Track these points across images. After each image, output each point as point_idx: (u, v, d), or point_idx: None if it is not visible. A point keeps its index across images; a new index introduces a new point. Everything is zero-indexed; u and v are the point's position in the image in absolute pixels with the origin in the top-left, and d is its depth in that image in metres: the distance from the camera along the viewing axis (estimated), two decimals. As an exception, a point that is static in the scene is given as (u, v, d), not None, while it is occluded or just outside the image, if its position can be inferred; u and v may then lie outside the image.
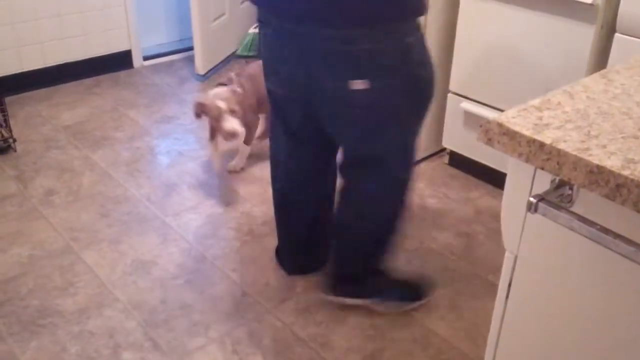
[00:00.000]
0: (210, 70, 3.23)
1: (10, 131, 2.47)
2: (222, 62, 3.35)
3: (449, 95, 2.28)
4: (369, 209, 1.62)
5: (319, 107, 1.48)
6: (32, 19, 2.90)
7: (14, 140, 2.48)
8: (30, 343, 1.60)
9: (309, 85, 1.43)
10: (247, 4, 3.54)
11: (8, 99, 2.59)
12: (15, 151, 2.48)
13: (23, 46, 2.92)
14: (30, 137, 2.60)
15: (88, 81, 3.13)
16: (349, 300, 1.71)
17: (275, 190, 1.78)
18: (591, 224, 0.71)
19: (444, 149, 2.47)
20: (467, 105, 2.22)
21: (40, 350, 1.58)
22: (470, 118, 2.23)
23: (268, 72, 1.55)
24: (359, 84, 1.37)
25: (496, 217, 2.13)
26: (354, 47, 1.34)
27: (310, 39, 1.36)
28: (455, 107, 2.27)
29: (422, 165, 2.47)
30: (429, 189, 2.31)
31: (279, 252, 1.90)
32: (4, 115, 2.49)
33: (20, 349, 1.59)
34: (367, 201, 1.61)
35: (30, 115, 2.78)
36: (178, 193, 2.25)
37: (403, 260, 1.93)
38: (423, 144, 2.45)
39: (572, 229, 0.73)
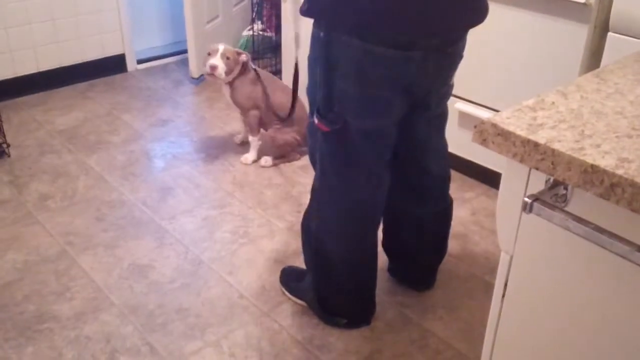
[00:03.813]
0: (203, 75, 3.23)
1: (4, 136, 2.46)
2: (216, 64, 3.34)
3: (444, 95, 2.29)
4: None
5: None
6: (25, 23, 2.89)
7: (8, 145, 2.47)
8: (27, 349, 1.60)
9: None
10: (241, 6, 3.54)
11: (2, 104, 2.59)
12: (10, 156, 2.47)
13: (16, 51, 2.91)
14: (24, 142, 2.59)
15: (82, 85, 3.13)
16: (285, 292, 1.79)
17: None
18: (586, 223, 0.71)
19: (439, 150, 2.47)
20: (461, 105, 2.22)
21: (36, 356, 1.57)
22: (464, 118, 2.24)
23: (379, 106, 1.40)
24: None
25: (492, 217, 2.13)
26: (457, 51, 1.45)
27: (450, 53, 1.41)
28: (450, 107, 2.26)
29: (418, 166, 2.47)
30: (424, 189, 2.31)
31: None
32: (-3, 120, 2.48)
33: (16, 355, 1.58)
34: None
35: (24, 120, 2.77)
36: (173, 196, 2.25)
37: (399, 261, 1.93)
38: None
39: (567, 228, 0.73)
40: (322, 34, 1.33)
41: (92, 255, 1.94)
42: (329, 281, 1.63)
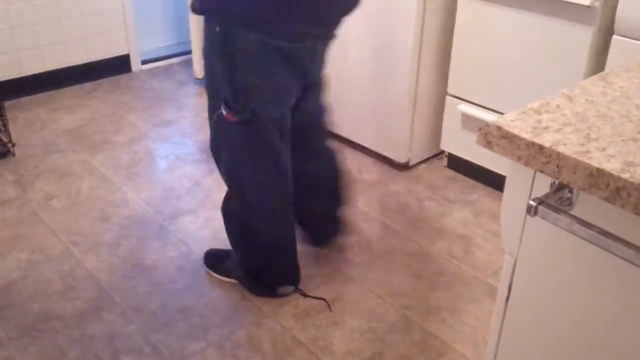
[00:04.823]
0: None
1: (10, 135, 2.47)
2: (220, 65, 3.35)
3: (447, 97, 2.29)
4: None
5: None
6: (31, 23, 2.90)
7: (13, 145, 2.48)
8: (30, 348, 1.60)
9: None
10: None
11: (7, 104, 2.59)
12: (15, 156, 2.48)
13: (22, 50, 2.92)
14: (29, 141, 2.59)
15: (87, 85, 3.14)
16: (212, 274, 1.86)
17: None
18: (591, 227, 0.71)
19: (442, 152, 2.47)
20: (465, 107, 2.22)
21: (40, 355, 1.58)
22: (468, 120, 2.24)
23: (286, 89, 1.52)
24: None
25: (495, 219, 2.13)
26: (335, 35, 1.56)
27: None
28: (453, 109, 2.27)
29: (421, 167, 2.47)
30: (428, 191, 2.31)
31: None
32: (3, 120, 2.49)
33: (20, 354, 1.58)
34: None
35: (29, 119, 2.78)
36: (177, 197, 2.25)
37: (401, 263, 1.93)
38: (421, 146, 2.46)
39: (572, 232, 0.73)
40: (217, 28, 1.39)
41: (95, 255, 1.94)
42: (256, 256, 1.73)
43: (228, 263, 1.83)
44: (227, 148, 1.59)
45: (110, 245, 1.99)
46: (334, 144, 1.87)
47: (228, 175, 1.65)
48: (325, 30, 1.48)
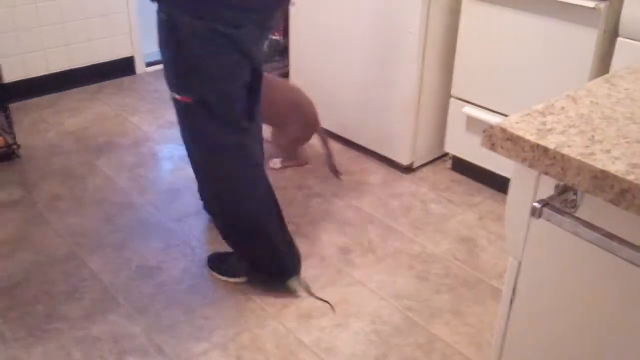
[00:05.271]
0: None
1: (15, 137, 2.48)
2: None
3: (451, 100, 2.29)
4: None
5: None
6: (35, 26, 2.91)
7: (19, 147, 2.49)
8: (36, 348, 1.61)
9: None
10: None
11: (12, 106, 2.60)
12: (20, 157, 2.49)
13: (27, 53, 2.93)
14: (34, 143, 2.60)
15: (91, 87, 3.15)
16: (217, 275, 1.88)
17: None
18: (596, 229, 0.71)
19: (446, 154, 2.47)
20: (469, 109, 2.22)
21: (45, 356, 1.58)
22: (472, 123, 2.24)
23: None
24: None
25: (499, 221, 2.13)
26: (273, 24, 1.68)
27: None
28: (458, 111, 2.27)
29: (425, 169, 2.47)
30: (432, 193, 2.31)
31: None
32: (8, 122, 2.50)
33: (25, 354, 1.59)
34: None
35: (34, 121, 2.79)
36: (181, 198, 2.25)
37: (405, 265, 1.93)
38: (425, 148, 2.46)
39: (576, 234, 0.73)
40: (164, 17, 1.50)
41: (100, 256, 1.95)
42: (256, 243, 1.75)
43: (230, 262, 1.86)
44: (189, 138, 1.67)
45: (114, 247, 2.00)
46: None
47: (197, 165, 1.72)
48: (263, 18, 1.58)
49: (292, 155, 2.48)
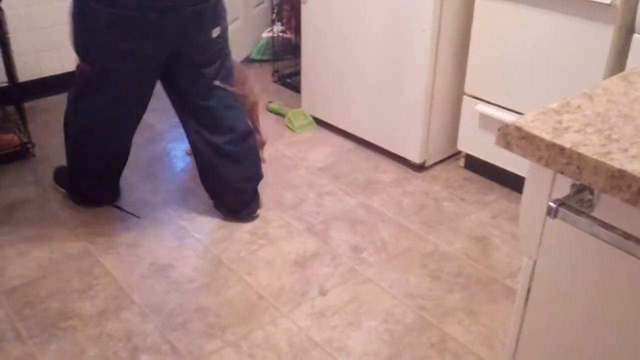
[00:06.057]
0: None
1: (29, 136, 2.50)
2: (236, 66, 3.37)
3: (464, 97, 2.27)
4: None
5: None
6: (49, 25, 2.93)
7: (33, 145, 2.51)
8: (50, 345, 1.62)
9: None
10: (261, 8, 3.55)
11: (27, 105, 2.63)
12: (34, 156, 2.52)
13: (41, 52, 2.96)
14: (48, 141, 2.62)
15: (105, 86, 3.16)
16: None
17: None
18: (612, 229, 0.70)
19: (459, 152, 2.46)
20: (482, 107, 2.21)
21: (60, 353, 1.60)
22: (485, 120, 2.22)
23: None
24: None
25: (512, 220, 2.11)
26: (203, 11, 1.85)
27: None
28: (471, 109, 2.25)
29: (438, 168, 2.46)
30: (444, 192, 2.30)
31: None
32: (23, 121, 2.52)
33: (40, 351, 1.61)
34: None
35: (48, 120, 2.81)
36: (193, 196, 2.26)
37: (418, 264, 1.93)
38: (438, 147, 2.45)
39: (593, 234, 0.72)
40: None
41: (114, 254, 1.97)
42: (82, 170, 2.13)
43: (63, 174, 2.22)
44: (77, 88, 2.02)
45: (128, 245, 2.01)
46: (248, 122, 2.11)
47: (70, 101, 2.07)
48: (171, 4, 1.73)
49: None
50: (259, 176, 2.15)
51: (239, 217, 2.12)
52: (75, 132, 2.07)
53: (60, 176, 2.27)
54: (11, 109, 2.57)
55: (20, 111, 2.52)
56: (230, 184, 2.09)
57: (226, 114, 2.03)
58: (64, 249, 1.99)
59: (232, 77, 2.07)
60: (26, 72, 2.91)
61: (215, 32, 1.91)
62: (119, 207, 2.18)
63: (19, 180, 2.37)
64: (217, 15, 1.90)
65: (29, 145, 2.50)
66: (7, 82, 2.54)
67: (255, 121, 2.44)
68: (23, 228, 2.09)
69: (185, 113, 2.06)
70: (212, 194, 2.15)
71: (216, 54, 1.96)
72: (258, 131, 2.44)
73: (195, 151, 2.10)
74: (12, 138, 2.45)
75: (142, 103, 2.04)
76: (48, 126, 2.76)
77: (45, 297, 1.79)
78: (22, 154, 2.49)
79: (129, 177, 2.39)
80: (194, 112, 2.02)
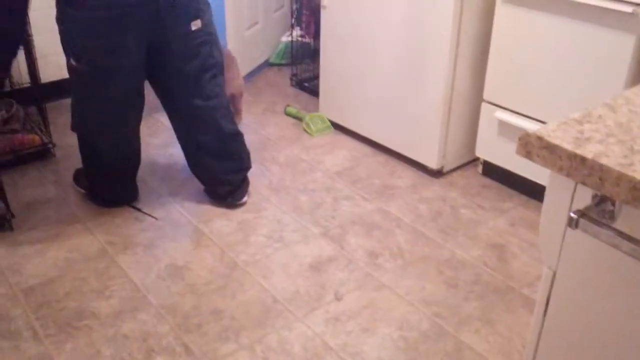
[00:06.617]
0: (243, 78, 3.26)
1: (50, 136, 2.54)
2: (254, 69, 3.38)
3: (483, 104, 2.26)
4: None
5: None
6: (72, 27, 2.97)
7: (54, 146, 2.55)
8: (66, 345, 1.64)
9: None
10: (280, 12, 3.57)
11: (49, 105, 2.66)
12: (55, 156, 2.55)
13: (63, 53, 2.99)
14: (69, 142, 2.65)
15: (125, 88, 3.19)
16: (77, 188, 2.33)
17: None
18: (634, 241, 0.69)
19: (477, 159, 2.44)
20: (501, 114, 2.19)
21: (75, 352, 1.62)
22: (504, 127, 2.20)
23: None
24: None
25: (530, 228, 2.09)
26: (179, 3, 1.93)
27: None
28: (490, 116, 2.24)
29: (455, 174, 2.45)
30: (462, 198, 2.29)
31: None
32: (44, 121, 2.56)
33: (56, 350, 1.62)
34: None
35: (70, 121, 2.85)
36: (210, 199, 2.27)
37: (434, 271, 1.91)
38: (456, 153, 2.43)
39: (614, 245, 0.71)
40: (57, 7, 1.88)
41: (131, 255, 1.98)
42: (97, 171, 2.19)
43: (82, 176, 2.28)
44: (75, 92, 2.06)
45: (145, 246, 2.03)
46: (231, 117, 2.17)
47: (72, 106, 2.11)
48: (135, 1, 1.80)
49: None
50: (245, 168, 2.24)
51: (224, 204, 2.22)
52: (81, 135, 2.13)
53: (80, 177, 2.31)
54: (33, 109, 2.61)
55: (42, 112, 2.56)
56: (217, 177, 2.19)
57: (212, 113, 2.09)
58: (81, 249, 2.01)
59: (222, 75, 2.12)
60: (48, 73, 2.96)
61: (195, 25, 1.93)
62: (136, 208, 2.21)
63: (39, 180, 2.40)
64: (197, 8, 1.93)
65: (50, 146, 2.53)
66: (29, 83, 2.58)
67: (237, 104, 2.59)
68: (42, 227, 2.12)
69: (173, 112, 2.14)
70: (201, 181, 2.26)
71: (197, 48, 1.97)
72: (238, 110, 2.62)
73: (183, 148, 2.21)
74: (34, 138, 2.48)
75: (134, 101, 2.07)
76: (69, 127, 2.80)
77: (62, 297, 1.81)
78: (43, 154, 2.53)
79: (148, 179, 2.41)
80: (181, 111, 2.10)
